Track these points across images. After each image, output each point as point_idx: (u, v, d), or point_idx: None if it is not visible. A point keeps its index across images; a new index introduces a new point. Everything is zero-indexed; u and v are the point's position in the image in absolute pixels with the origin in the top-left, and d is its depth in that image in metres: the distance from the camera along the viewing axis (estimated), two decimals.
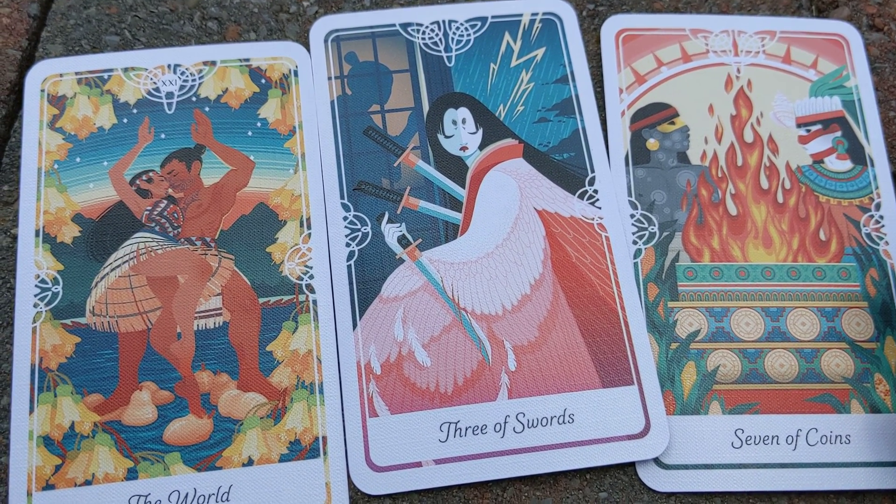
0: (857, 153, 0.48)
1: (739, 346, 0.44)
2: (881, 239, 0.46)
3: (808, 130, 0.49)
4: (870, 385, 0.43)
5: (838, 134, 0.49)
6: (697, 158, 0.48)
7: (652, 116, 0.49)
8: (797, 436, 0.42)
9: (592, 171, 0.47)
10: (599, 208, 0.46)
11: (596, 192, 0.46)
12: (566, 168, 0.47)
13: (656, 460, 0.41)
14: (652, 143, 0.48)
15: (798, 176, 0.48)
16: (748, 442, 0.42)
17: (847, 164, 0.48)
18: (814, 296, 0.45)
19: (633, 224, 0.46)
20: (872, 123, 0.49)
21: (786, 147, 0.48)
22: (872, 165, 0.48)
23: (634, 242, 0.46)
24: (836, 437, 0.42)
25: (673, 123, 0.49)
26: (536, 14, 0.51)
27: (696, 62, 0.50)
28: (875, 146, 0.48)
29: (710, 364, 0.43)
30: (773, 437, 0.42)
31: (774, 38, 0.51)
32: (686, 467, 0.41)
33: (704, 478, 0.41)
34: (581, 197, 0.46)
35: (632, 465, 0.42)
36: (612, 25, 0.51)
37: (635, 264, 0.45)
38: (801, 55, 0.51)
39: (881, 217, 0.47)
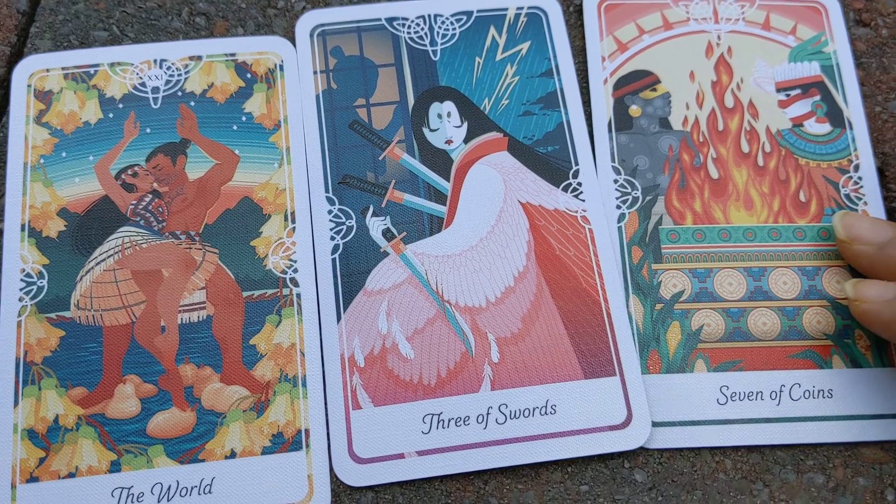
0: (835, 116, 0.49)
1: (723, 305, 0.44)
2: (860, 199, 0.47)
3: (788, 95, 0.49)
4: (850, 341, 0.44)
5: (817, 98, 0.49)
6: (679, 124, 0.48)
7: (634, 84, 0.49)
8: (780, 391, 0.42)
9: (577, 164, 0.47)
10: (583, 201, 0.46)
11: (580, 184, 0.46)
12: (550, 161, 0.47)
13: None
14: (634, 110, 0.48)
15: (778, 139, 0.48)
16: (733, 398, 0.42)
17: (826, 127, 0.48)
18: (794, 255, 0.45)
19: (616, 189, 0.46)
20: (850, 87, 0.50)
21: (766, 111, 0.49)
22: (851, 128, 0.48)
23: (618, 207, 0.46)
24: (819, 391, 0.43)
25: (654, 90, 0.49)
26: (522, 8, 0.51)
27: (677, 30, 0.51)
28: (853, 109, 0.49)
29: (694, 323, 0.44)
30: (757, 393, 0.42)
31: (754, 5, 0.51)
32: (673, 424, 0.42)
33: (691, 434, 0.41)
34: (565, 190, 0.46)
35: (612, 457, 0.41)
36: None
37: (619, 228, 0.45)
38: (780, 22, 0.51)
39: (860, 178, 0.47)
